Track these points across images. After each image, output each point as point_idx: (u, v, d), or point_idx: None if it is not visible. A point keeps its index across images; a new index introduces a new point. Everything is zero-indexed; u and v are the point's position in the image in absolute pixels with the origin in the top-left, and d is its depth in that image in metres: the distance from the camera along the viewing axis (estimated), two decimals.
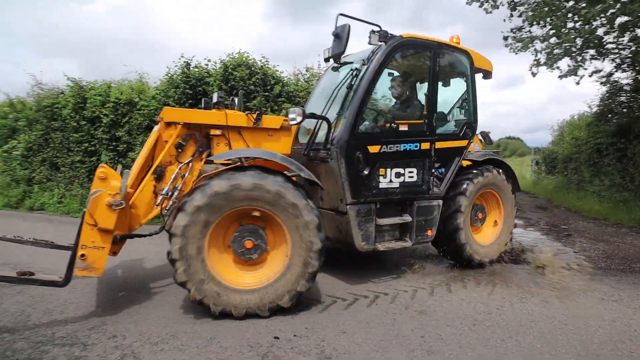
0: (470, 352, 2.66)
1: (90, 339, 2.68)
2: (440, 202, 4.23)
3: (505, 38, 10.29)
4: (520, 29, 9.97)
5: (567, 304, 3.53)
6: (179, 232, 2.87)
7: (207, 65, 7.85)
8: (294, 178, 3.33)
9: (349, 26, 3.45)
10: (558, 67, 9.65)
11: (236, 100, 4.01)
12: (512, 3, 9.72)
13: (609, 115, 10.64)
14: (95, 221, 2.99)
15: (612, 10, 7.66)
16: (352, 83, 3.75)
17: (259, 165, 3.20)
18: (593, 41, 8.73)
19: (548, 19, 9.04)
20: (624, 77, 10.10)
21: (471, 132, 4.48)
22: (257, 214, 3.06)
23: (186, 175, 3.51)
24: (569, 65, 9.56)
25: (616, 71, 10.01)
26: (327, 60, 3.89)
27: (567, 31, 8.80)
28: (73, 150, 8.47)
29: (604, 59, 9.53)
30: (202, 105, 3.92)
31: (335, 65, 3.93)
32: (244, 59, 7.64)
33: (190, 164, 3.53)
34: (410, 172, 4.00)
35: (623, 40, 8.85)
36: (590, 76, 10.12)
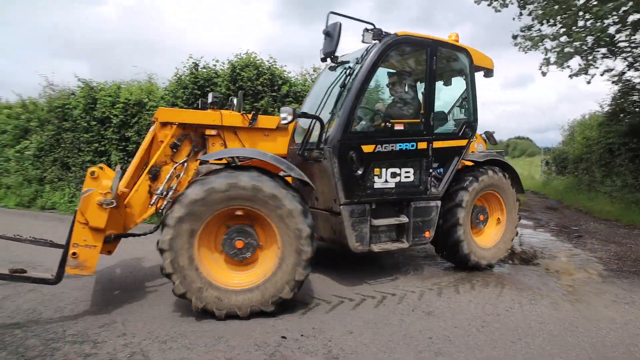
0: (478, 353, 2.64)
1: (100, 337, 2.72)
2: (439, 202, 4.15)
3: (515, 37, 10.20)
4: (529, 27, 9.86)
5: (578, 306, 3.48)
6: (167, 246, 2.87)
7: (215, 65, 7.90)
8: (288, 179, 3.32)
9: (340, 24, 3.44)
10: (568, 66, 9.54)
11: (235, 100, 4.01)
12: (522, 1, 9.63)
13: (621, 115, 10.48)
14: (87, 220, 3.01)
15: (624, 8, 7.54)
16: (346, 82, 3.72)
17: (253, 165, 3.18)
18: (604, 39, 8.60)
19: (558, 17, 8.93)
20: (636, 76, 9.95)
21: (471, 132, 4.39)
22: (240, 212, 3.04)
23: (181, 175, 3.53)
24: (579, 64, 9.44)
25: (628, 70, 9.86)
26: (324, 60, 3.85)
27: (578, 29, 8.68)
28: (83, 150, 8.58)
29: (615, 58, 9.40)
30: (200, 106, 3.95)
31: (332, 64, 3.92)
32: (251, 59, 7.67)
33: (185, 163, 3.55)
34: (406, 172, 3.92)
35: (636, 39, 8.71)
36: (601, 75, 9.99)
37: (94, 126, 8.36)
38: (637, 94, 10.12)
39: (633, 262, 5.05)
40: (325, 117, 3.74)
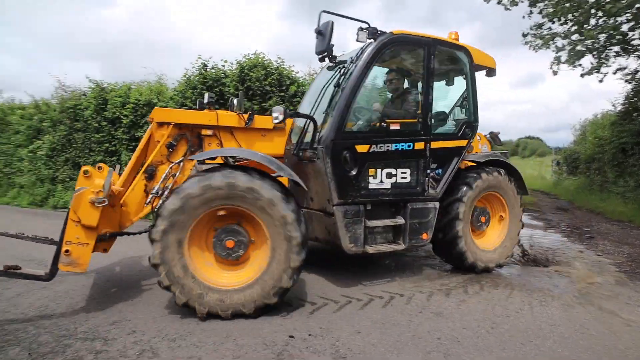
0: (488, 355, 2.61)
1: (111, 334, 2.75)
2: (437, 204, 4.06)
3: (525, 35, 10.08)
4: (540, 26, 9.74)
5: (590, 308, 3.43)
6: (158, 260, 2.89)
7: (223, 66, 7.96)
8: (285, 180, 3.29)
9: (332, 23, 3.43)
10: (580, 65, 9.39)
11: (235, 101, 3.99)
12: None
13: (635, 114, 10.29)
14: (79, 218, 3.05)
15: (638, 5, 7.41)
16: (340, 82, 3.69)
17: (244, 165, 3.17)
18: (617, 37, 8.45)
19: (570, 15, 8.80)
20: None
21: (471, 132, 4.30)
22: (223, 213, 3.04)
23: (177, 174, 3.55)
24: (591, 63, 9.29)
25: None
26: (321, 59, 3.82)
27: (589, 27, 8.55)
28: (94, 150, 8.71)
29: (629, 56, 9.22)
30: (197, 106, 3.97)
31: (330, 64, 3.88)
32: (259, 59, 7.70)
33: (181, 163, 3.57)
34: (403, 172, 3.85)
35: None
36: (614, 74, 9.82)
37: (104, 126, 8.47)
38: None
39: None
40: (320, 116, 3.72)
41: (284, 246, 3.02)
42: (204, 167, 3.47)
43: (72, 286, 3.71)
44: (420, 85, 4.16)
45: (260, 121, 3.89)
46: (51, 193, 9.24)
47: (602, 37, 8.68)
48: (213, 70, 7.83)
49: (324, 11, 3.54)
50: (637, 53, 9.14)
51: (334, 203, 3.55)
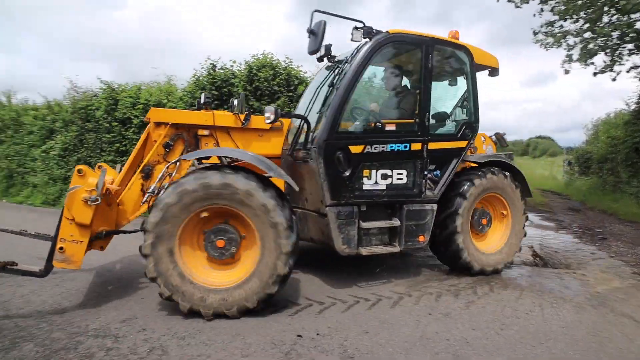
0: (497, 357, 2.59)
1: (122, 332, 2.79)
2: (435, 206, 3.98)
3: (535, 33, 9.94)
4: (552, 23, 9.60)
5: (603, 311, 3.38)
6: (154, 272, 2.93)
7: (232, 66, 8.00)
8: (281, 182, 3.28)
9: (325, 22, 3.42)
10: (592, 63, 9.24)
11: (236, 101, 3.97)
12: None
13: None
14: (73, 216, 3.10)
15: None
16: (334, 82, 3.66)
17: (239, 166, 3.17)
18: (631, 35, 8.30)
19: (582, 13, 8.66)
20: None
21: (471, 133, 4.21)
22: (206, 214, 3.05)
23: (173, 174, 3.58)
24: (604, 61, 9.13)
25: None
26: (320, 59, 3.79)
27: (602, 25, 8.41)
28: (105, 150, 8.82)
29: None
30: (196, 106, 4.00)
31: (329, 64, 3.86)
32: (268, 59, 7.73)
33: (178, 163, 3.60)
34: (399, 173, 3.78)
35: None
36: (627, 72, 9.63)
37: (115, 127, 8.58)
38: None
39: None
40: (315, 116, 3.70)
41: (271, 234, 3.01)
42: (201, 167, 3.53)
43: (84, 284, 3.77)
44: (418, 85, 4.05)
45: (257, 121, 3.90)
46: (63, 192, 9.37)
47: (615, 34, 8.53)
48: (222, 71, 7.87)
49: (317, 10, 3.54)
50: None
51: (327, 204, 3.52)
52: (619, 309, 3.43)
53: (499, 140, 4.97)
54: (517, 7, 9.68)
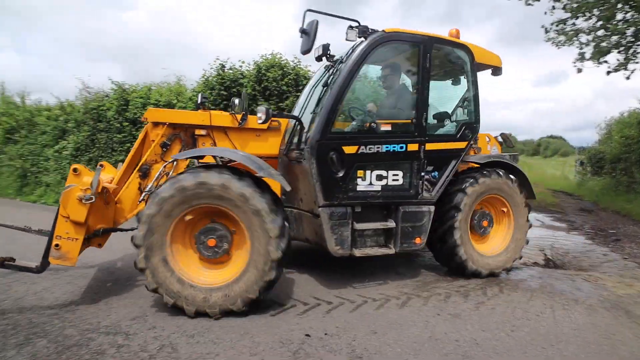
0: (508, 358, 2.56)
1: (132, 329, 2.83)
2: (432, 207, 3.91)
3: (547, 31, 9.80)
4: (564, 21, 9.45)
5: (615, 313, 3.32)
6: (154, 283, 2.96)
7: (241, 66, 8.05)
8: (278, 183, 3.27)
9: (317, 22, 3.40)
10: (605, 61, 9.07)
11: (237, 101, 3.95)
12: None
13: None
14: (68, 214, 3.16)
15: None
16: (329, 81, 3.63)
17: (233, 167, 3.18)
18: None
19: (595, 10, 8.52)
20: None
21: (471, 133, 4.11)
22: (190, 217, 3.06)
23: (171, 173, 3.61)
24: (617, 59, 8.96)
25: None
26: (318, 59, 3.77)
27: (616, 22, 8.25)
28: (116, 150, 8.93)
29: None
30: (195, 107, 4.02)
31: (328, 64, 3.82)
32: (276, 60, 7.76)
33: (175, 162, 3.62)
34: (394, 175, 3.71)
35: None
36: None
37: (126, 127, 8.68)
38: None
39: None
40: (309, 116, 3.67)
41: (255, 221, 3.00)
42: (196, 167, 3.57)
43: (95, 282, 3.83)
44: (415, 85, 3.97)
45: (254, 121, 3.87)
46: None
47: (629, 31, 8.36)
48: (231, 71, 7.92)
49: (309, 10, 3.52)
50: None
51: (320, 204, 3.49)
52: (632, 311, 3.36)
53: (505, 140, 4.88)
54: (528, 4, 9.55)
